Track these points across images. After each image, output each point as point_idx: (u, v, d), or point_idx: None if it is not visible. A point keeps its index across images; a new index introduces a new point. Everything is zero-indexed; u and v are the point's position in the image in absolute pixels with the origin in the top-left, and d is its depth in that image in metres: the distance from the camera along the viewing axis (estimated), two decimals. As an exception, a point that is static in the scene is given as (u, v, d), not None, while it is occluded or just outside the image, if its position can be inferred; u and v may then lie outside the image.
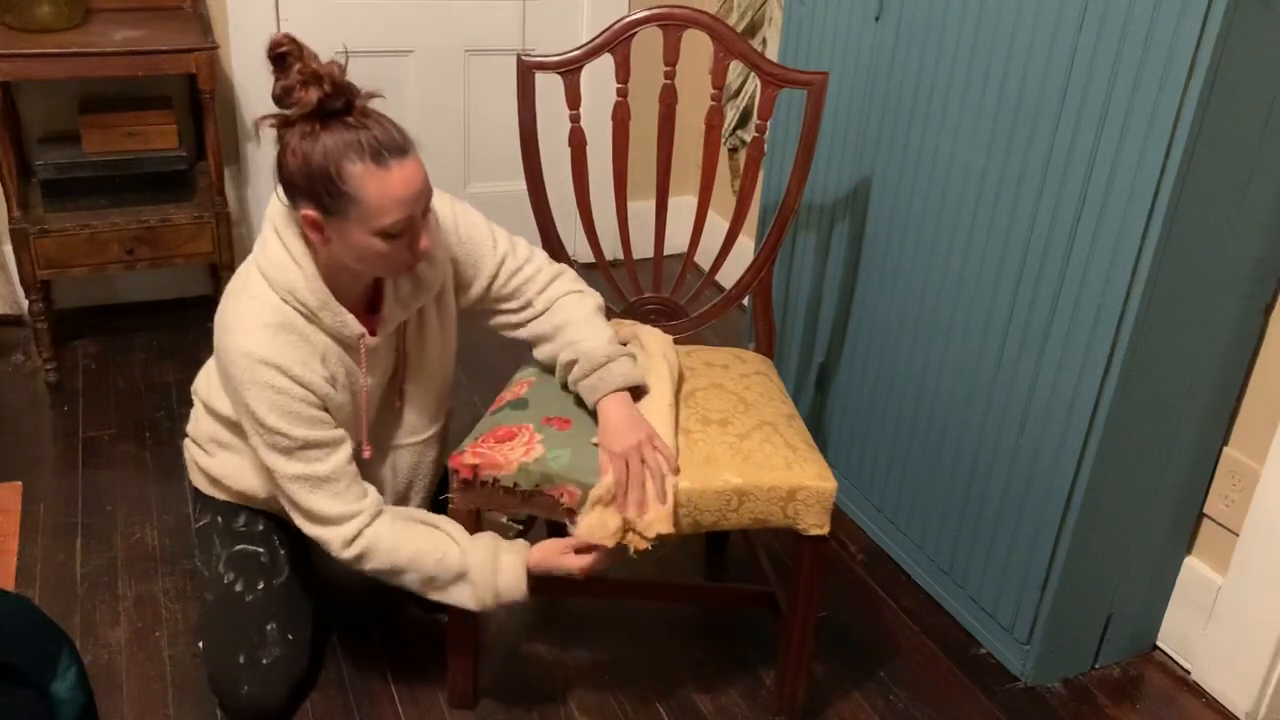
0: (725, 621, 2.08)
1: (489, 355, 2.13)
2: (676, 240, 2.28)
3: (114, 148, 2.59)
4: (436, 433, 1.85)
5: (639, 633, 2.03)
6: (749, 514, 1.63)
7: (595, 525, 1.57)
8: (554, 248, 1.98)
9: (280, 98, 1.46)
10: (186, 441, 1.93)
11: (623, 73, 1.89)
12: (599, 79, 2.21)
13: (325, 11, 2.89)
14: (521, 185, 1.96)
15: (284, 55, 1.44)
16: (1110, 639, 2.00)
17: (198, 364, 1.94)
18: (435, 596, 1.67)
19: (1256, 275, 1.73)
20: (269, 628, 1.76)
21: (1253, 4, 1.48)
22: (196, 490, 1.91)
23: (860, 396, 2.30)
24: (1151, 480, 1.85)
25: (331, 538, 1.62)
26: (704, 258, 2.14)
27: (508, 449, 1.64)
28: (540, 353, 1.80)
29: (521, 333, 1.81)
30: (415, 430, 1.81)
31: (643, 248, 2.13)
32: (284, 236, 1.57)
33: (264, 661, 1.73)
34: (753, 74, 2.76)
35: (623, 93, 1.91)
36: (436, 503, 1.85)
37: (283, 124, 1.48)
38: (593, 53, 1.88)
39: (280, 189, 1.53)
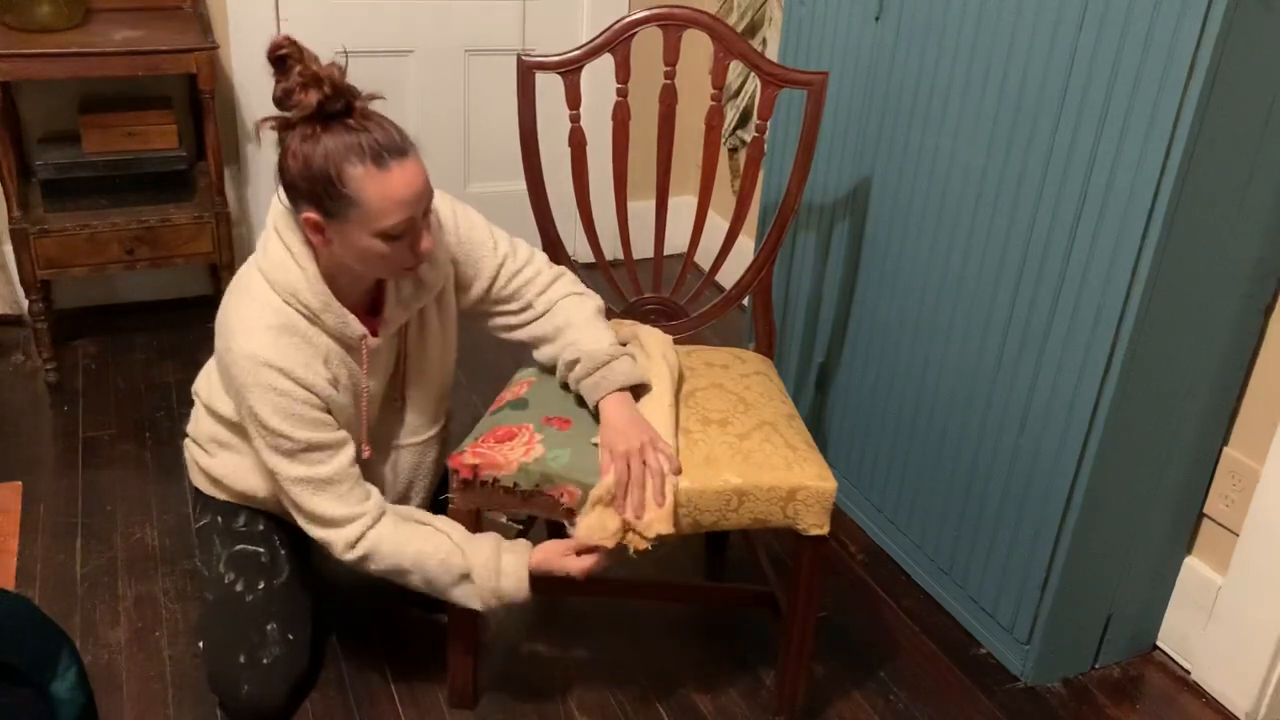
0: (725, 621, 2.08)
1: (489, 355, 2.13)
2: (676, 240, 2.28)
3: (114, 148, 2.59)
4: (437, 433, 1.85)
5: (639, 633, 2.04)
6: (749, 514, 1.63)
7: (595, 525, 1.57)
8: (554, 248, 1.98)
9: (281, 100, 1.46)
10: (187, 441, 1.93)
11: (623, 73, 1.89)
12: (599, 79, 2.21)
13: (325, 11, 2.89)
14: (521, 185, 1.96)
15: (284, 57, 1.45)
16: (1110, 639, 2.00)
17: (198, 364, 1.94)
18: (439, 596, 1.67)
19: (1256, 275, 1.73)
20: (269, 627, 1.76)
21: (1253, 4, 1.48)
22: (197, 490, 1.91)
23: (860, 396, 2.30)
24: (1151, 480, 1.85)
25: (335, 540, 1.62)
26: (704, 258, 2.14)
27: (508, 449, 1.64)
28: (540, 354, 1.80)
29: (520, 334, 1.81)
30: (416, 431, 1.81)
31: (643, 248, 2.13)
32: (286, 238, 1.57)
33: (264, 661, 1.73)
34: (753, 74, 2.76)
35: (623, 93, 1.91)
36: (436, 503, 1.85)
37: (283, 126, 1.48)
38: (593, 53, 1.88)
39: (281, 191, 1.54)
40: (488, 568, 1.63)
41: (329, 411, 1.61)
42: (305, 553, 1.88)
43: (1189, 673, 2.00)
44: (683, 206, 2.82)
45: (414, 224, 1.51)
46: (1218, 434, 1.87)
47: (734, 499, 1.61)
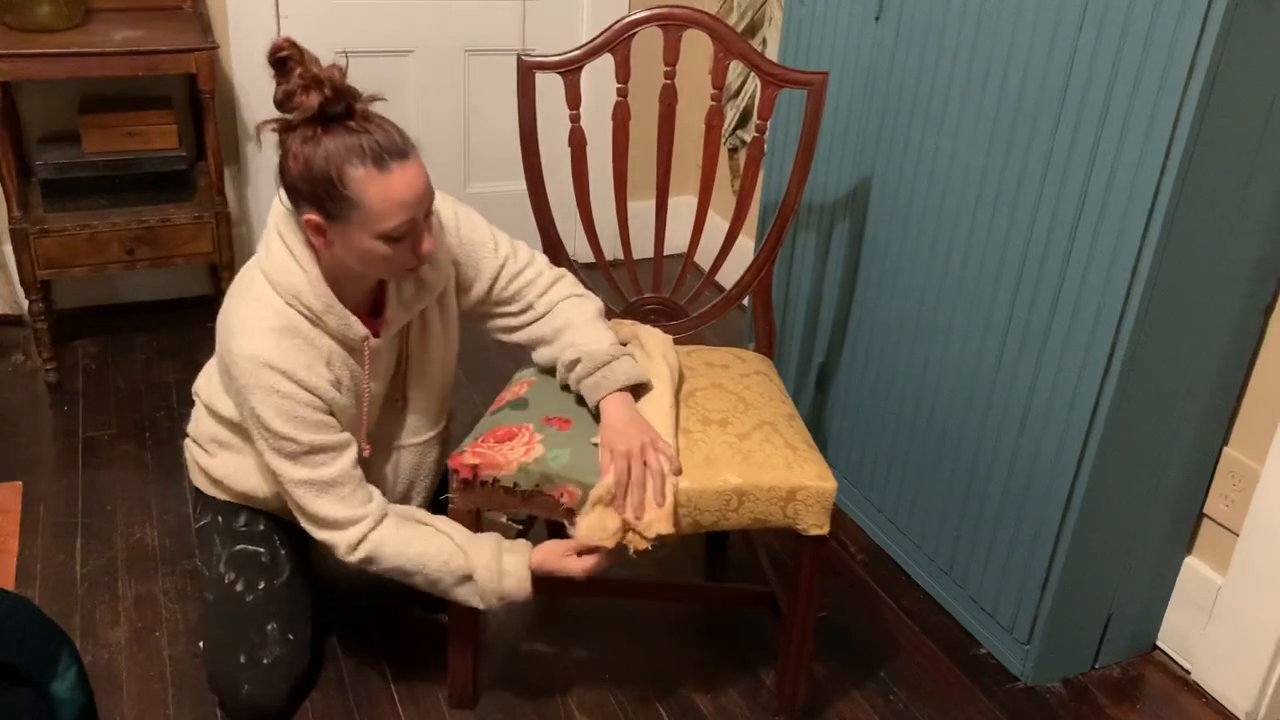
0: (725, 621, 2.08)
1: (489, 355, 2.13)
2: (676, 240, 2.27)
3: (114, 148, 2.59)
4: (438, 433, 1.85)
5: (639, 633, 2.04)
6: (749, 514, 1.63)
7: (595, 525, 1.57)
8: (554, 248, 1.98)
9: (281, 102, 1.46)
10: (187, 441, 1.93)
11: (623, 73, 1.89)
12: (599, 79, 2.21)
13: (325, 11, 2.89)
14: (521, 185, 1.96)
15: (285, 59, 1.45)
16: (1110, 639, 2.00)
17: (198, 364, 1.94)
18: (441, 596, 1.67)
19: (1256, 275, 1.73)
20: (269, 627, 1.76)
21: (1253, 4, 1.48)
22: (197, 490, 1.91)
23: (860, 396, 2.30)
24: (1151, 480, 1.85)
25: (338, 541, 1.62)
26: (704, 258, 2.14)
27: (508, 449, 1.64)
28: (540, 356, 1.80)
29: (520, 336, 1.81)
30: (417, 431, 1.81)
31: (643, 248, 2.13)
32: (287, 240, 1.57)
33: (264, 661, 1.73)
34: (753, 74, 2.76)
35: (623, 93, 1.91)
36: (437, 503, 1.85)
37: (284, 128, 1.48)
38: (593, 53, 1.88)
39: (283, 193, 1.54)
40: (489, 569, 1.63)
41: (331, 413, 1.61)
42: (305, 552, 1.88)
43: (1189, 673, 2.00)
44: (683, 206, 2.82)
45: (415, 225, 1.51)
46: (1218, 434, 1.87)
47: (734, 499, 1.61)
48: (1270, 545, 1.81)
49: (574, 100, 1.90)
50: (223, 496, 1.86)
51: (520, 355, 1.88)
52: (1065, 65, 1.68)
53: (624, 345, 1.78)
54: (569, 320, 1.76)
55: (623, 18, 1.87)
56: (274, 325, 1.55)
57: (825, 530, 1.64)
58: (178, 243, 2.63)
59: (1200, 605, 1.96)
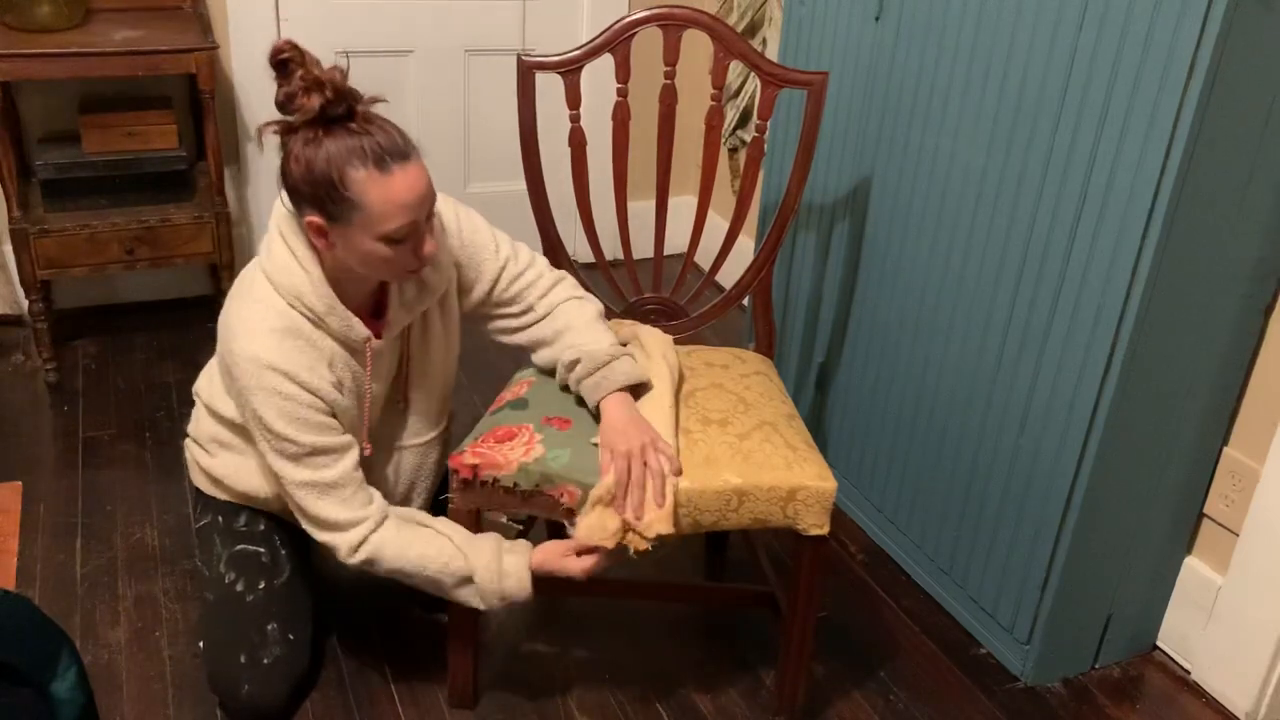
0: (725, 621, 2.08)
1: (489, 356, 2.13)
2: (676, 240, 2.27)
3: (114, 148, 2.59)
4: (439, 434, 1.85)
5: (639, 633, 2.04)
6: (749, 514, 1.63)
7: (595, 526, 1.57)
8: (554, 248, 1.98)
9: (283, 104, 1.46)
10: (187, 441, 1.93)
11: (623, 73, 1.89)
12: (599, 79, 2.21)
13: (325, 12, 2.89)
14: (521, 185, 1.96)
15: (286, 61, 1.45)
16: (1110, 639, 2.00)
17: (198, 364, 1.94)
18: (442, 596, 1.67)
19: (1256, 275, 1.73)
20: (270, 627, 1.76)
21: (1253, 4, 1.48)
22: (197, 490, 1.91)
23: (860, 396, 2.30)
24: (1151, 480, 1.85)
25: (339, 543, 1.62)
26: (704, 258, 2.14)
27: (508, 449, 1.64)
28: (539, 357, 1.80)
29: (520, 338, 1.81)
30: (419, 432, 1.81)
31: (643, 248, 2.13)
32: (289, 241, 1.57)
33: (265, 661, 1.73)
34: (753, 74, 2.76)
35: (623, 93, 1.91)
36: (437, 503, 1.85)
37: (285, 130, 1.48)
38: (593, 53, 1.88)
39: (284, 195, 1.54)
40: (490, 570, 1.63)
41: (333, 415, 1.61)
42: (306, 553, 1.88)
43: (1189, 673, 2.00)
44: (683, 206, 2.82)
45: (417, 227, 1.51)
46: (1218, 434, 1.87)
47: (734, 499, 1.61)
48: (1270, 545, 1.81)
49: (574, 100, 1.90)
50: (223, 496, 1.86)
51: (520, 356, 1.88)
52: (1065, 65, 1.68)
53: (624, 345, 1.78)
54: (569, 322, 1.76)
55: (623, 18, 1.87)
56: (276, 327, 1.55)
57: (825, 530, 1.64)
58: (178, 243, 2.63)
59: (1200, 605, 1.96)
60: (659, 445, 1.61)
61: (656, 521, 1.56)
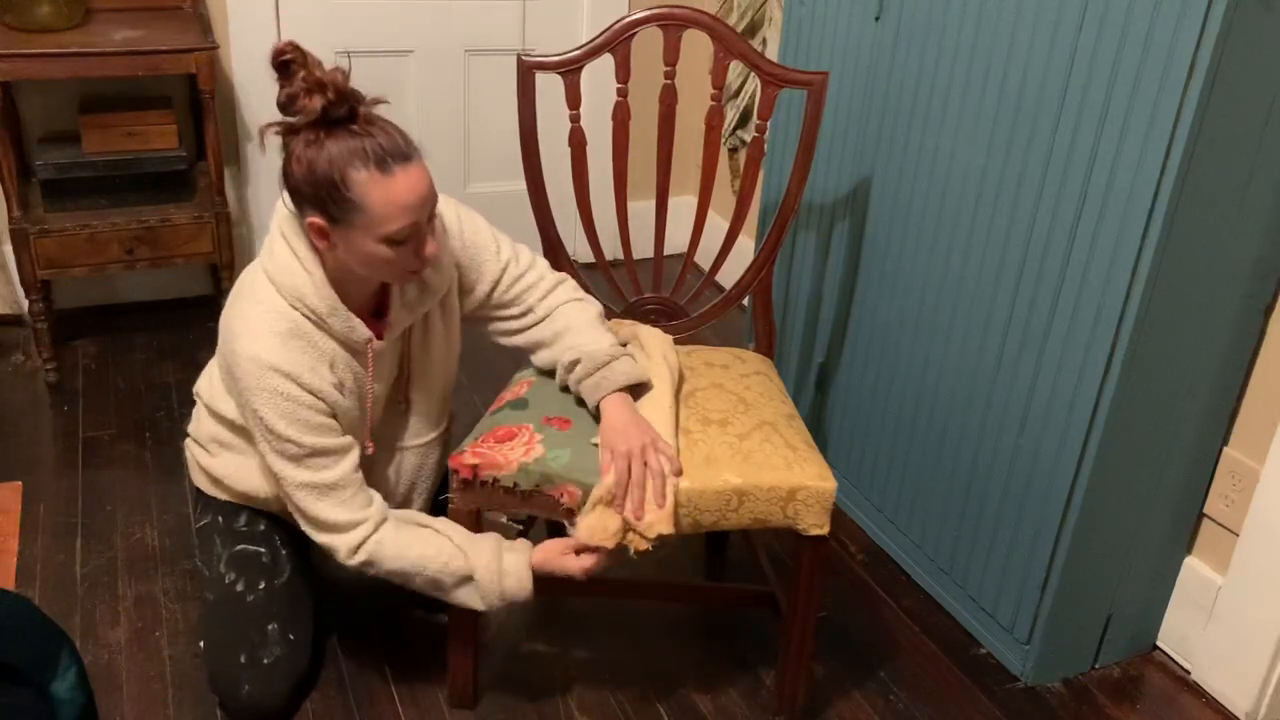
0: (725, 621, 2.08)
1: (489, 356, 2.13)
2: (676, 240, 2.28)
3: (114, 148, 2.59)
4: (440, 435, 1.85)
5: (639, 633, 2.04)
6: (749, 514, 1.63)
7: (595, 526, 1.57)
8: (554, 248, 1.98)
9: (285, 105, 1.46)
10: (188, 441, 1.93)
11: (623, 73, 1.89)
12: (599, 79, 2.21)
13: (325, 12, 2.89)
14: (521, 185, 1.96)
15: (288, 63, 1.45)
16: (1110, 639, 2.00)
17: (198, 364, 1.94)
18: (442, 598, 1.67)
19: (1256, 275, 1.74)
20: (270, 628, 1.76)
21: (1253, 4, 1.48)
22: (198, 490, 1.91)
23: (860, 396, 2.30)
24: (1151, 480, 1.85)
25: (338, 545, 1.62)
26: (704, 258, 2.14)
27: (508, 449, 1.64)
28: (539, 358, 1.80)
29: (520, 339, 1.81)
30: (420, 433, 1.81)
31: (643, 248, 2.13)
32: (291, 242, 1.57)
33: (265, 661, 1.73)
34: (753, 74, 2.76)
35: (623, 93, 1.91)
36: (437, 503, 1.85)
37: (287, 132, 1.48)
38: (593, 53, 1.88)
39: (286, 196, 1.54)
40: (490, 569, 1.63)
41: (334, 416, 1.61)
42: (306, 553, 1.88)
43: (1189, 673, 2.00)
44: (683, 206, 2.82)
45: (418, 229, 1.51)
46: (1218, 434, 1.87)
47: (734, 499, 1.61)
48: (1270, 545, 1.81)
49: (574, 100, 1.90)
50: (223, 496, 1.86)
51: (520, 356, 1.88)
52: (1065, 65, 1.68)
53: (624, 346, 1.78)
54: (569, 323, 1.76)
55: (623, 18, 1.87)
56: (278, 328, 1.55)
57: (825, 530, 1.64)
58: (178, 243, 2.63)
59: (1200, 605, 1.96)
60: (659, 445, 1.61)
61: (657, 522, 1.56)
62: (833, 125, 2.24)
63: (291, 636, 1.78)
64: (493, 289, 1.77)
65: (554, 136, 2.11)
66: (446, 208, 1.70)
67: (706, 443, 1.66)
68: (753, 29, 3.00)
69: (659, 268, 2.03)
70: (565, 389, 1.76)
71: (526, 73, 1.87)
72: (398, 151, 1.47)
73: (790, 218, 1.96)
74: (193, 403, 1.90)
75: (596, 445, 1.63)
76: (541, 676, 1.92)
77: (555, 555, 1.64)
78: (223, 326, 1.61)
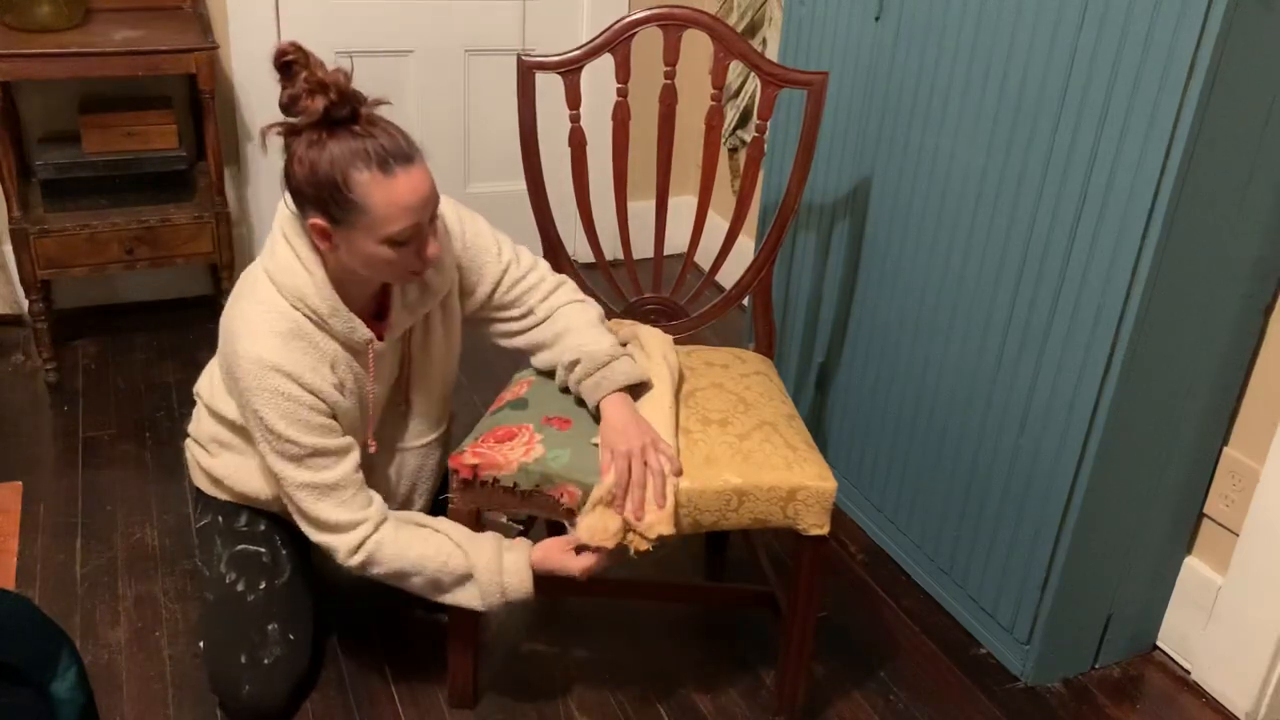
0: (725, 621, 2.08)
1: (489, 357, 2.13)
2: (676, 240, 2.28)
3: (114, 148, 2.59)
4: (440, 435, 1.85)
5: (639, 633, 2.04)
6: (749, 514, 1.63)
7: (596, 526, 1.57)
8: (554, 248, 1.98)
9: (287, 106, 1.46)
10: (188, 441, 1.93)
11: (623, 73, 1.89)
12: (599, 79, 2.21)
13: (325, 12, 2.89)
14: (521, 185, 1.96)
15: (290, 64, 1.45)
16: (1110, 639, 2.00)
17: (198, 364, 1.94)
18: (441, 599, 1.67)
19: (1256, 275, 1.74)
20: (270, 627, 1.76)
21: (1253, 4, 1.48)
22: (198, 490, 1.91)
23: (860, 396, 2.30)
24: (1151, 480, 1.85)
25: (337, 545, 1.62)
26: (704, 258, 2.14)
27: (508, 449, 1.64)
28: (539, 360, 1.80)
29: (520, 341, 1.81)
30: (420, 434, 1.81)
31: (643, 248, 2.13)
32: (293, 242, 1.57)
33: (265, 661, 1.73)
34: (753, 74, 2.76)
35: (623, 93, 1.91)
36: (437, 503, 1.85)
37: (289, 132, 1.48)
38: (593, 53, 1.88)
39: (288, 197, 1.54)
40: (490, 567, 1.64)
41: (334, 417, 1.61)
42: (306, 553, 1.88)
43: (1189, 673, 2.00)
44: (683, 206, 2.82)
45: (420, 230, 1.51)
46: (1218, 434, 1.87)
47: (734, 499, 1.61)
48: (1270, 545, 1.81)
49: (574, 100, 1.90)
50: (223, 496, 1.86)
51: (520, 357, 1.88)
52: (1065, 65, 1.68)
53: (624, 346, 1.78)
54: (569, 325, 1.76)
55: (623, 18, 1.87)
56: (279, 328, 1.55)
57: (825, 530, 1.64)
58: (178, 243, 2.63)
59: (1200, 605, 1.96)
60: (659, 445, 1.61)
61: (657, 522, 1.56)
62: (833, 125, 2.24)
63: (292, 636, 1.78)
64: (493, 290, 1.77)
65: (554, 136, 2.11)
66: (448, 209, 1.70)
67: (706, 443, 1.66)
68: (753, 29, 3.00)
69: (659, 268, 2.03)
70: (565, 389, 1.76)
71: (526, 73, 1.87)
72: (400, 153, 1.47)
73: (790, 218, 1.96)
74: (193, 403, 1.90)
75: (596, 445, 1.63)
76: (541, 676, 1.92)
77: (555, 554, 1.64)
78: (223, 327, 1.61)
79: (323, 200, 1.47)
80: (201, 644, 1.84)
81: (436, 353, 1.77)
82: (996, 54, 1.81)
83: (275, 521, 1.85)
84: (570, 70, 1.88)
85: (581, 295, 1.83)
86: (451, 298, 1.74)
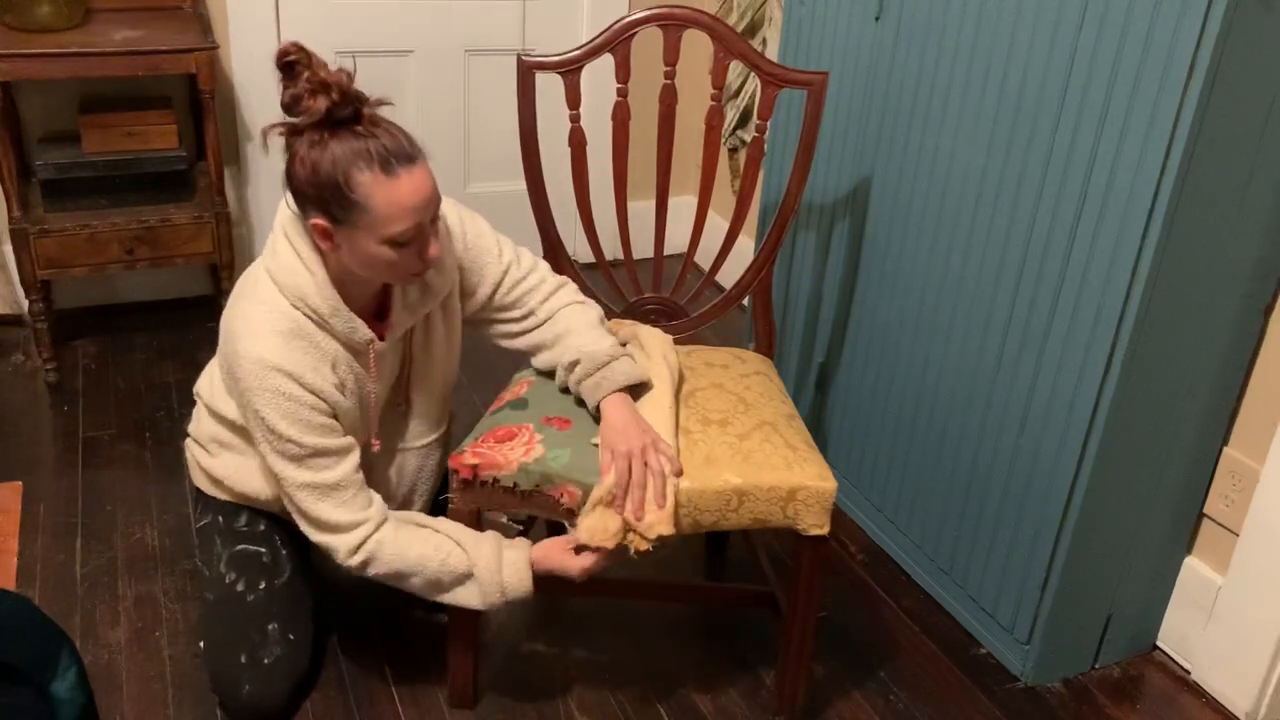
0: (725, 621, 2.08)
1: (489, 357, 2.13)
2: (676, 240, 2.28)
3: (114, 148, 2.59)
4: (440, 436, 1.85)
5: (639, 633, 2.04)
6: (749, 514, 1.63)
7: (596, 526, 1.57)
8: (554, 248, 1.98)
9: (289, 106, 1.46)
10: (188, 441, 1.93)
11: (623, 73, 1.89)
12: (599, 79, 2.21)
13: (325, 11, 2.89)
14: (521, 185, 1.96)
15: (292, 64, 1.45)
16: (1110, 639, 2.00)
17: (198, 364, 1.94)
18: (441, 599, 1.67)
19: (1256, 275, 1.74)
20: (270, 627, 1.76)
21: (1253, 4, 1.48)
22: (198, 490, 1.91)
23: (860, 396, 2.30)
24: (1151, 480, 1.85)
25: (337, 545, 1.62)
26: (704, 258, 2.14)
27: (508, 449, 1.64)
28: (540, 361, 1.80)
29: (520, 342, 1.81)
30: (421, 434, 1.81)
31: (643, 248, 2.13)
32: (294, 242, 1.57)
33: (265, 661, 1.73)
34: (753, 74, 2.76)
35: (623, 93, 1.91)
36: (437, 503, 1.85)
37: (291, 132, 1.48)
38: (593, 53, 1.88)
39: (289, 197, 1.54)
40: (490, 565, 1.64)
41: (335, 417, 1.61)
42: (306, 553, 1.88)
43: (1189, 673, 2.00)
44: (683, 206, 2.82)
45: (421, 230, 1.51)
46: (1218, 434, 1.87)
47: (734, 499, 1.61)
48: (1270, 545, 1.81)
49: (574, 100, 1.90)
50: (223, 496, 1.86)
51: (520, 357, 1.88)
52: (1065, 65, 1.68)
53: (624, 346, 1.78)
54: (569, 326, 1.76)
55: (623, 18, 1.87)
56: (280, 328, 1.55)
57: (825, 530, 1.64)
58: (178, 243, 2.63)
59: (1200, 605, 1.96)
60: (659, 446, 1.61)
61: (658, 522, 1.56)
62: (833, 125, 2.24)
63: (292, 636, 1.78)
64: (494, 291, 1.77)
65: (554, 136, 2.11)
66: (449, 210, 1.70)
67: (706, 443, 1.66)
68: (753, 29, 3.00)
69: (659, 268, 2.03)
70: (565, 390, 1.76)
71: (526, 73, 1.87)
72: (402, 153, 1.47)
73: (790, 218, 1.96)
74: (193, 403, 1.90)
75: (596, 445, 1.63)
76: (541, 676, 1.92)
77: (555, 553, 1.64)
78: (224, 327, 1.61)
79: (324, 200, 1.47)
80: (201, 644, 1.85)
81: (437, 353, 1.77)
82: (996, 54, 1.81)
83: (275, 521, 1.85)
84: (570, 70, 1.88)
85: (582, 297, 1.83)
86: (452, 298, 1.74)
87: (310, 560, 1.89)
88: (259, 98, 2.87)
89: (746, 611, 2.09)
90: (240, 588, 1.78)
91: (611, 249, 2.27)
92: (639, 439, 1.60)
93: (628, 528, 1.57)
